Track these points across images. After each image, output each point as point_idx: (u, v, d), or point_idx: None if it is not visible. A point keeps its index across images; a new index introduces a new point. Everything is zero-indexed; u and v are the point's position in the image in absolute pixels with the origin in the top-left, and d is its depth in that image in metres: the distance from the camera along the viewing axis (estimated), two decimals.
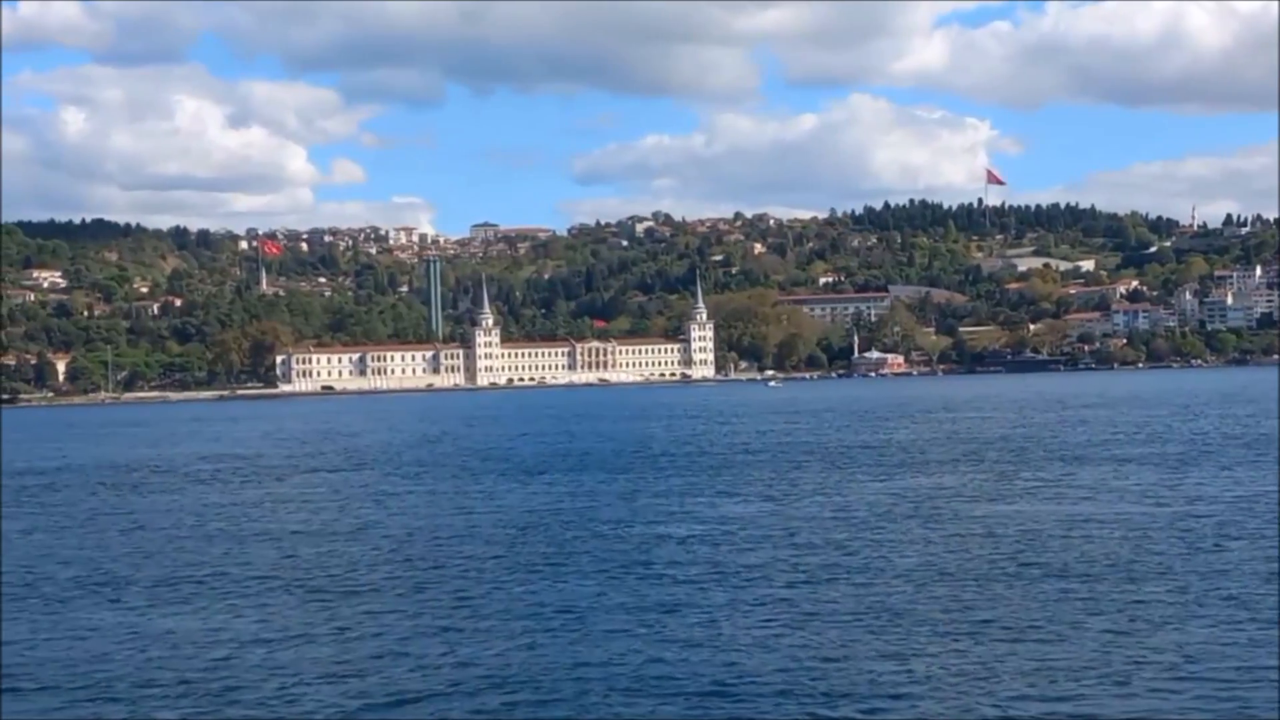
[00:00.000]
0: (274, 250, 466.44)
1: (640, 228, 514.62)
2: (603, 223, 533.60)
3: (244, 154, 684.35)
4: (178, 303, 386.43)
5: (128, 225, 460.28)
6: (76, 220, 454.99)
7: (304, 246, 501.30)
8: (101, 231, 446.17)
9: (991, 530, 42.20)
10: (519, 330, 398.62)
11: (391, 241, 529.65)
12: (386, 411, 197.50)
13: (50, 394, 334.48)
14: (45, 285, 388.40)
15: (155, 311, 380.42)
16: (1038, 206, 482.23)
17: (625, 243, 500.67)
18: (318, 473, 76.95)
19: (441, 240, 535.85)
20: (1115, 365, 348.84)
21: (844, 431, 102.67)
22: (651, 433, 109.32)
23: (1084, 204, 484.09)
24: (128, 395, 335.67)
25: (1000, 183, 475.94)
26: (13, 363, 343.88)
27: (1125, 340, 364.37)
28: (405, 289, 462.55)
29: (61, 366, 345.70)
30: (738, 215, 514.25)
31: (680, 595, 32.58)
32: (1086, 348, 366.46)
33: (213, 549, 43.78)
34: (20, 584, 37.62)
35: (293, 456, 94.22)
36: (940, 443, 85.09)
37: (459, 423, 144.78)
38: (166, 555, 42.63)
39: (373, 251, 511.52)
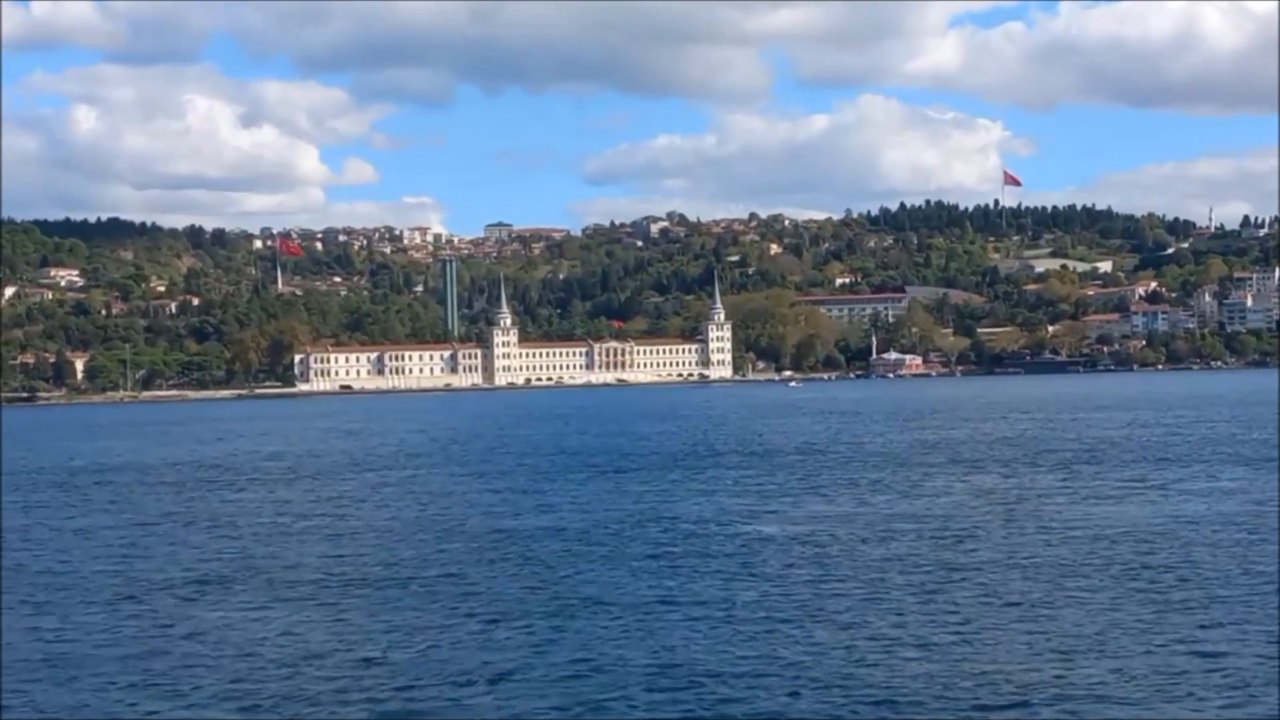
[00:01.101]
0: (293, 250, 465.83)
1: (655, 228, 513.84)
2: (617, 223, 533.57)
3: (255, 154, 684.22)
4: (195, 302, 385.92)
5: (143, 224, 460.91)
6: (92, 219, 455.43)
7: (318, 246, 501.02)
8: (117, 230, 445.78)
9: (1101, 531, 41.63)
10: (536, 330, 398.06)
11: (406, 241, 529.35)
12: (418, 410, 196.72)
13: (69, 392, 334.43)
14: (63, 284, 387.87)
15: (173, 310, 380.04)
16: (1054, 208, 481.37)
17: (640, 243, 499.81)
18: (390, 469, 76.45)
19: (455, 240, 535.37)
20: (1135, 367, 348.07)
21: (905, 431, 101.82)
22: (712, 432, 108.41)
23: (1095, 204, 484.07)
24: (146, 394, 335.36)
25: (1017, 183, 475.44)
26: (31, 361, 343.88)
27: (1145, 342, 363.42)
28: (420, 288, 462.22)
29: (80, 365, 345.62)
30: (752, 216, 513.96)
31: (812, 595, 32.09)
32: (1106, 349, 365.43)
33: (313, 547, 43.28)
34: (133, 582, 37.05)
35: (360, 453, 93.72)
36: (1012, 443, 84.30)
37: (508, 421, 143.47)
38: (268, 553, 42.06)
39: (387, 251, 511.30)
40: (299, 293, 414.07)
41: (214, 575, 37.63)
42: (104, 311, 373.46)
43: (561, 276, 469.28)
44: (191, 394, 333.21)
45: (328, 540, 44.76)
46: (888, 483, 59.26)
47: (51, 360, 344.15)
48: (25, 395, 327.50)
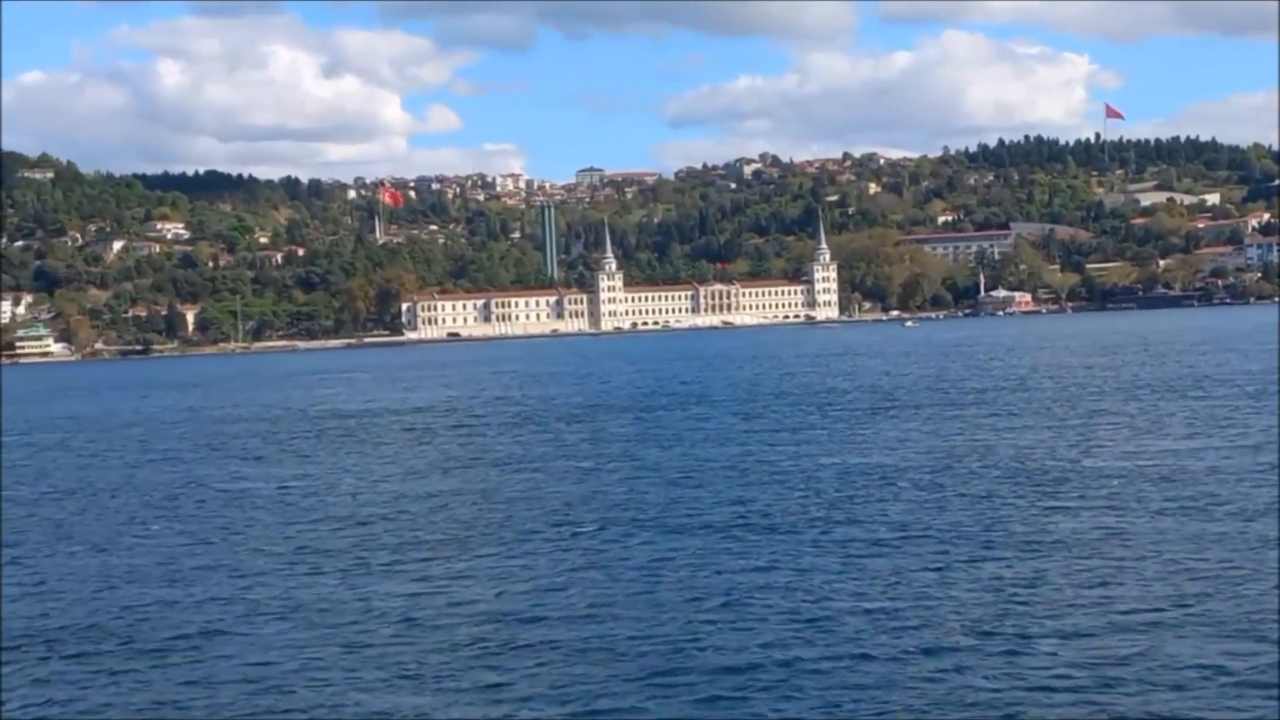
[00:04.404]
0: (395, 200, 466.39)
1: (748, 170, 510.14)
2: (708, 165, 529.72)
3: (338, 104, 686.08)
4: (300, 252, 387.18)
5: (240, 176, 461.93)
6: (189, 172, 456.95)
7: (412, 194, 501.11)
8: (215, 183, 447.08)
9: None
10: (639, 274, 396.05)
11: (499, 188, 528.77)
12: (555, 355, 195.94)
13: (181, 345, 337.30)
14: (169, 237, 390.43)
15: (278, 261, 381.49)
16: (1157, 140, 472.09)
17: (733, 185, 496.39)
18: (655, 412, 75.28)
19: (547, 186, 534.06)
20: (1251, 300, 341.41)
21: (1171, 364, 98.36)
22: (938, 370, 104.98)
23: (1195, 135, 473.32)
24: (257, 345, 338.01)
25: (1119, 116, 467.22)
26: (144, 314, 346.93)
27: (1260, 274, 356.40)
28: (517, 234, 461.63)
29: (190, 317, 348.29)
30: (846, 155, 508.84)
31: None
32: (1220, 282, 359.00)
33: (669, 490, 42.16)
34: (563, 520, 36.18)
35: (592, 397, 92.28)
36: None
37: (692, 365, 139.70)
38: (625, 497, 40.96)
39: (480, 198, 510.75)
40: (401, 241, 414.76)
41: (606, 519, 36.72)
42: (211, 263, 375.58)
43: (657, 220, 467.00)
44: (301, 344, 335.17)
45: (672, 484, 43.59)
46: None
47: (163, 313, 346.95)
48: (140, 349, 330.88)
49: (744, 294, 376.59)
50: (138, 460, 60.39)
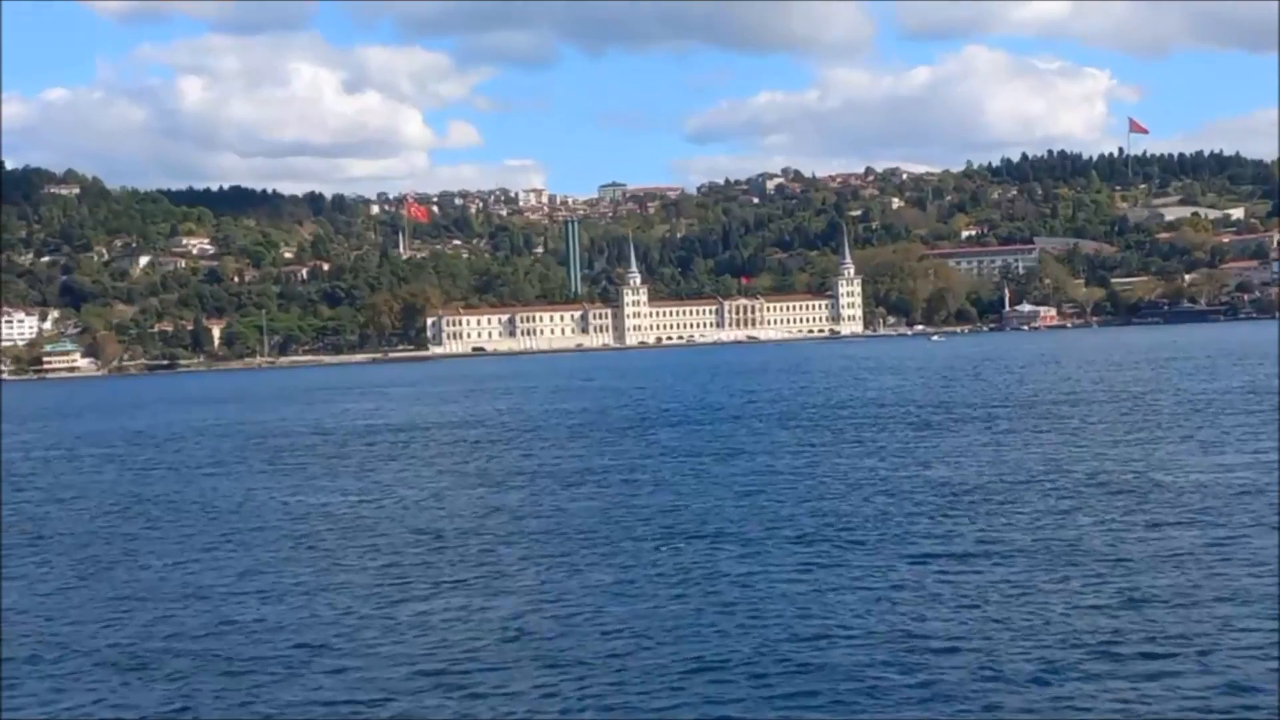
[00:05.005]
0: (420, 214, 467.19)
1: (770, 184, 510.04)
2: (731, 180, 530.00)
3: (360, 119, 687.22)
4: (325, 267, 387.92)
5: (264, 191, 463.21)
6: (214, 188, 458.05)
7: (435, 209, 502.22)
8: (240, 198, 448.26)
9: None
10: (663, 289, 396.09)
11: (521, 203, 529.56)
12: (588, 369, 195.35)
13: (208, 359, 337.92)
14: (195, 252, 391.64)
15: (303, 276, 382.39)
16: (1180, 155, 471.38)
17: (755, 199, 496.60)
18: (692, 425, 75.14)
19: (570, 201, 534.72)
20: (1277, 314, 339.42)
21: (1223, 377, 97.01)
22: (996, 380, 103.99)
23: (1218, 150, 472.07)
24: (282, 359, 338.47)
25: (1143, 131, 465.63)
26: (170, 329, 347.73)
27: None
28: (540, 249, 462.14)
29: (216, 332, 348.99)
30: (869, 170, 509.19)
31: None
32: (1246, 296, 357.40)
33: (812, 502, 41.91)
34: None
35: (644, 410, 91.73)
36: None
37: (737, 379, 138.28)
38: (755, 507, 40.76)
39: (504, 214, 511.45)
40: (425, 256, 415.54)
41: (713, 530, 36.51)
42: (236, 279, 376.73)
43: (680, 235, 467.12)
44: (327, 359, 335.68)
45: (747, 496, 43.34)
46: None
47: (189, 328, 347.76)
48: (166, 363, 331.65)
49: (768, 308, 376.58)
50: (196, 475, 60.34)
